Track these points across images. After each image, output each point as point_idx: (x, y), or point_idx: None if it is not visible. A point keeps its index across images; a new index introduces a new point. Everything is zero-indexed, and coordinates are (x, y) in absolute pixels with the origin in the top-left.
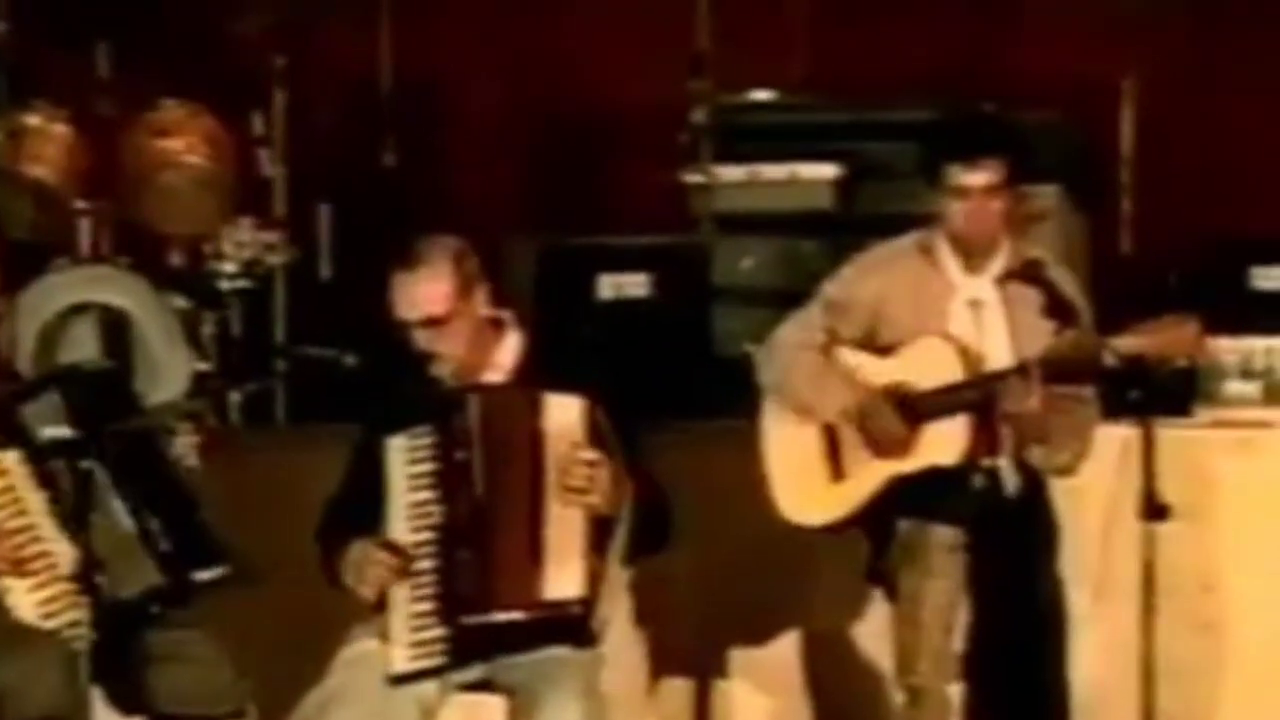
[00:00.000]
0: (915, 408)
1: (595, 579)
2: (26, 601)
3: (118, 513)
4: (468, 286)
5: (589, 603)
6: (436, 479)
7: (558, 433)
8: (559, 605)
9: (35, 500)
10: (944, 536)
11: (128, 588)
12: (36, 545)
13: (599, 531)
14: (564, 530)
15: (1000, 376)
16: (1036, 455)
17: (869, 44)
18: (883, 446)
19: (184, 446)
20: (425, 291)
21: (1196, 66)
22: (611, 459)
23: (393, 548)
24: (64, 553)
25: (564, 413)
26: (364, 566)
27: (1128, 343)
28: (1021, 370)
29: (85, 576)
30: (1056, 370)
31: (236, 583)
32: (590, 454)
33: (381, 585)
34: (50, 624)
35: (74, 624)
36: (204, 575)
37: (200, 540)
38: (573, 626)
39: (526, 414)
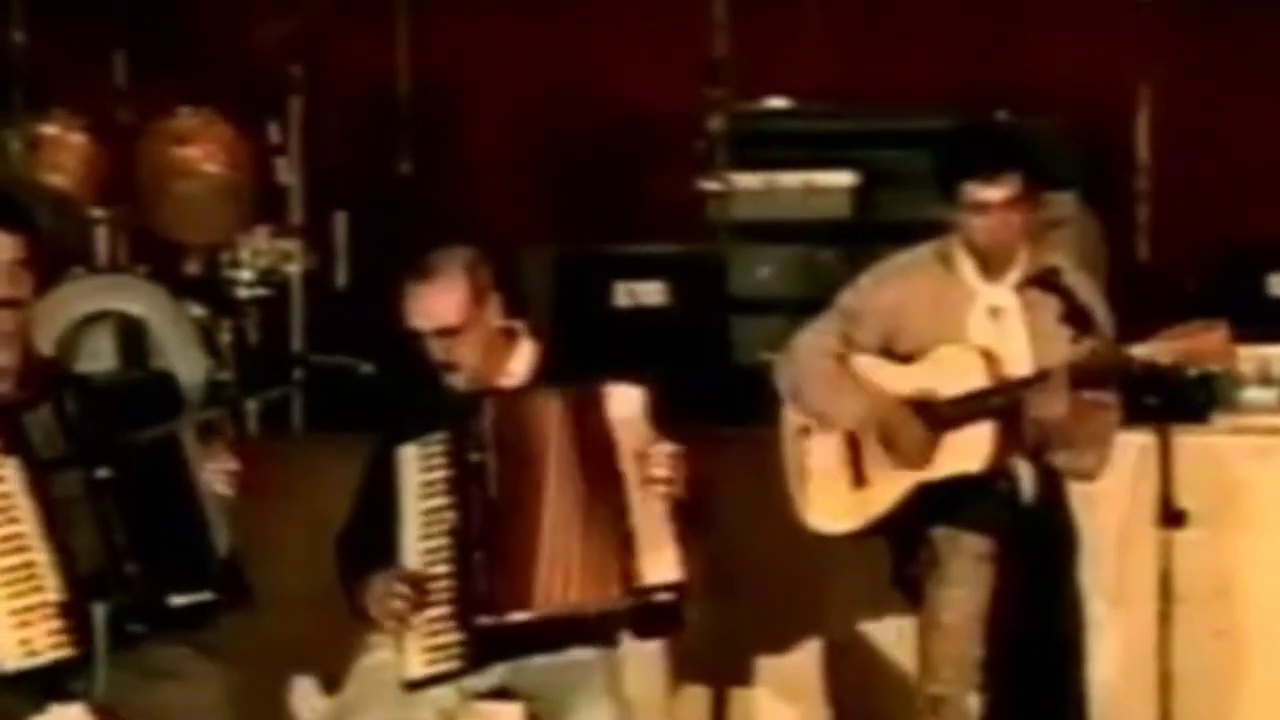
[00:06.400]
0: (939, 415)
1: (689, 563)
2: (2, 610)
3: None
4: (481, 296)
5: (684, 586)
6: (449, 484)
7: (625, 422)
8: (652, 590)
9: (28, 510)
10: (975, 545)
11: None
12: (22, 555)
13: (686, 514)
14: (651, 518)
15: (1026, 383)
16: (1061, 459)
17: (885, 51)
18: (905, 456)
19: (214, 474)
20: (439, 302)
21: (1212, 72)
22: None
23: (411, 579)
24: (50, 565)
25: (627, 403)
26: (385, 599)
27: (1155, 349)
28: (1047, 376)
29: (73, 589)
30: (1082, 376)
31: (229, 608)
32: (671, 446)
33: (400, 617)
34: (22, 634)
35: (51, 634)
36: (180, 600)
37: (191, 561)
38: (665, 612)
39: (589, 409)
